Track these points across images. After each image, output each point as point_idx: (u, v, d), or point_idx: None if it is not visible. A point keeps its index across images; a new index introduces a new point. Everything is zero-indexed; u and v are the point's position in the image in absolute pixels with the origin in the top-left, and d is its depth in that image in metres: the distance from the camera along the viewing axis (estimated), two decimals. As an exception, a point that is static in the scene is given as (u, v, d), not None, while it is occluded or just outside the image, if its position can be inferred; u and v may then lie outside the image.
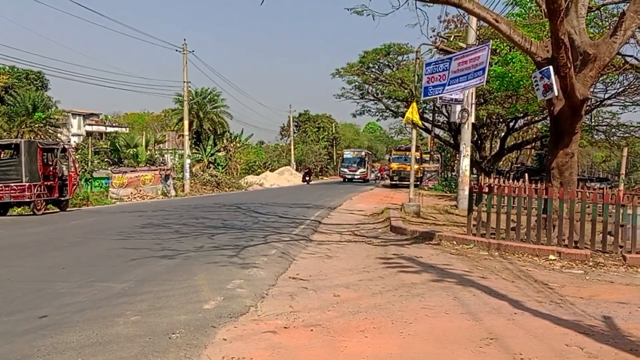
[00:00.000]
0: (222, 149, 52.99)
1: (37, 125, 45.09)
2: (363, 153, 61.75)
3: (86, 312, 6.08)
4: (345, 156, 61.22)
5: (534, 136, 40.33)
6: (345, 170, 59.34)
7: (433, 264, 9.52)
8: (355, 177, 57.94)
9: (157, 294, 6.94)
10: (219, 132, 54.56)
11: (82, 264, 9.24)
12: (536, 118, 33.28)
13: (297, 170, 65.84)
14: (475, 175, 32.67)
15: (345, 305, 6.58)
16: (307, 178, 54.89)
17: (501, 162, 48.71)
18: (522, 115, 32.18)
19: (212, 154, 50.33)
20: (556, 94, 10.47)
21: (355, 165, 58.72)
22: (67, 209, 21.19)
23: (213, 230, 13.59)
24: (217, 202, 24.97)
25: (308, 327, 5.70)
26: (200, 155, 49.22)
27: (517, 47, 13.48)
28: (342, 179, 59.60)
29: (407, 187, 22.37)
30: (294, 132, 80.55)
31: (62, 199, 20.95)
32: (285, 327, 5.69)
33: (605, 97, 26.98)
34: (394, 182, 46.59)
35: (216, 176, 39.93)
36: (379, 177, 66.11)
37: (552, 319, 6.08)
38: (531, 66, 16.19)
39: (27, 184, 18.98)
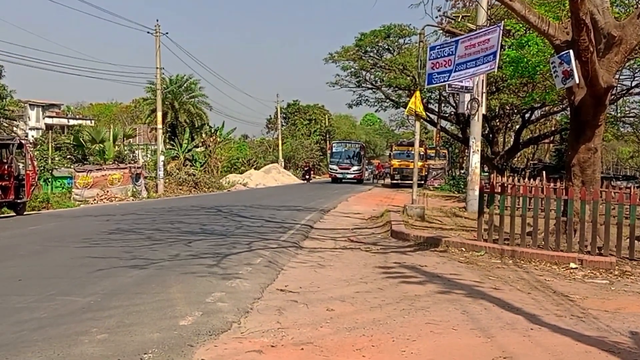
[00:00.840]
0: (200, 144, 52.96)
1: (-12, 118, 44.90)
2: (358, 146, 55.81)
3: (46, 330, 6.06)
4: (335, 149, 55.09)
5: (553, 129, 40.56)
6: (335, 167, 53.30)
7: (439, 273, 9.54)
8: (348, 176, 52.07)
9: (126, 308, 6.92)
10: (196, 125, 54.51)
11: (42, 275, 9.21)
12: (555, 108, 33.43)
13: (285, 168, 65.85)
14: (487, 174, 32.82)
15: (340, 321, 6.59)
16: (307, 176, 55.98)
17: (516, 159, 48.93)
18: (539, 105, 32.32)
19: (189, 150, 50.29)
20: (577, 81, 10.50)
21: (347, 161, 52.81)
22: (25, 213, 21.11)
23: (190, 237, 13.57)
24: (195, 204, 24.93)
25: (298, 346, 5.71)
26: (175, 152, 49.16)
27: (533, 29, 13.53)
28: (330, 179, 54.56)
29: (410, 186, 22.44)
30: (282, 125, 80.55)
31: (19, 201, 20.86)
32: (272, 346, 5.69)
33: (633, 85, 27.15)
34: (395, 181, 46.68)
35: (194, 175, 39.88)
36: (376, 176, 62.99)
37: (572, 335, 6.11)
38: (549, 50, 16.25)
39: (-22, 185, 18.89)
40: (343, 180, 51.53)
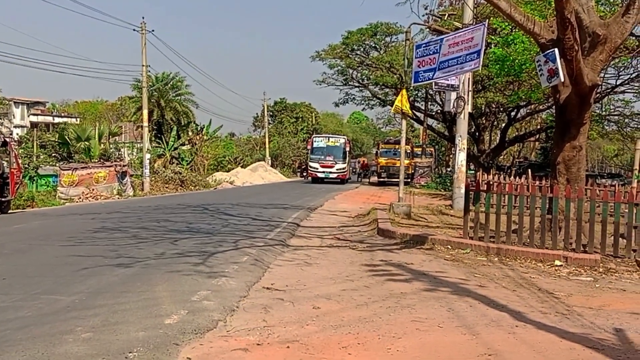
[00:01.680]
0: (186, 142, 52.79)
1: (-27, 116, 44.58)
2: (342, 141, 49.21)
3: (30, 329, 6.02)
4: (315, 144, 48.40)
5: (538, 127, 40.78)
6: (316, 165, 47.38)
7: (425, 271, 9.57)
8: (331, 175, 46.73)
9: (111, 307, 6.89)
10: (183, 123, 54.33)
11: (26, 274, 9.15)
12: (540, 107, 33.62)
13: (272, 166, 65.79)
14: (473, 171, 32.91)
15: (326, 319, 6.59)
16: (305, 174, 56.27)
17: (502, 157, 49.14)
18: (524, 103, 32.49)
19: (176, 148, 50.14)
20: (562, 79, 10.56)
21: (330, 159, 47.02)
22: (9, 211, 20.94)
23: (176, 235, 13.54)
24: (181, 202, 24.86)
25: (284, 344, 5.71)
26: (161, 150, 48.99)
27: (518, 27, 13.59)
28: (310, 178, 48.97)
29: (397, 184, 22.45)
30: (269, 123, 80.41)
31: (3, 199, 20.69)
32: (258, 344, 5.69)
33: (617, 84, 27.30)
34: (381, 179, 46.73)
35: (180, 173, 39.76)
36: (361, 174, 60.70)
37: (557, 332, 6.15)
38: (535, 48, 16.33)
39: (-38, 183, 18.72)
40: (325, 180, 46.62)
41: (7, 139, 22.83)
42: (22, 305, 6.98)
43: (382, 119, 68.34)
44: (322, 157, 47.23)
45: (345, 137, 52.19)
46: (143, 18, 36.50)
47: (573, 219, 11.07)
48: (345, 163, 47.55)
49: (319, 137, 51.22)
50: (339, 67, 44.51)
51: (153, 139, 48.05)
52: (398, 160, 27.91)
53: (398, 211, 17.68)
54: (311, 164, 48.06)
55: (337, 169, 46.91)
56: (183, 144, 51.95)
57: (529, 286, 8.56)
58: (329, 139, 49.46)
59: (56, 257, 10.61)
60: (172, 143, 49.79)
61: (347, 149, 48.44)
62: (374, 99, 46.70)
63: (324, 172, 46.75)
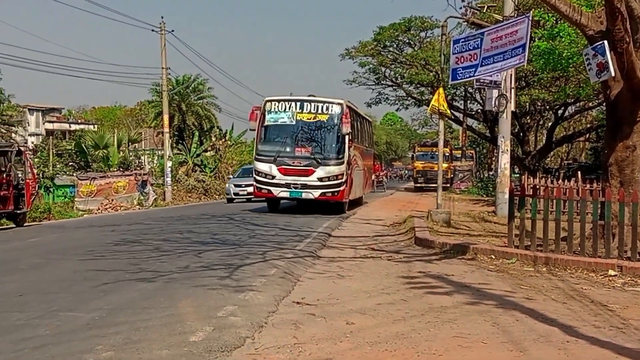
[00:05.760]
0: (209, 148, 53.02)
1: (-14, 124, 45.40)
2: (336, 111, 22.64)
3: (48, 348, 6.09)
4: (270, 120, 22.81)
5: (588, 126, 40.27)
6: (268, 168, 22.61)
7: (467, 283, 9.50)
8: (304, 194, 22.56)
9: (133, 324, 6.94)
10: (205, 128, 54.70)
11: (43, 290, 9.26)
12: (590, 104, 33.24)
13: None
14: (518, 175, 32.65)
15: (360, 335, 6.57)
16: None
17: (549, 159, 48.65)
18: (572, 100, 32.12)
19: (198, 155, 50.39)
20: (613, 74, 10.43)
21: (305, 153, 22.66)
22: (25, 224, 21.25)
23: (201, 247, 13.60)
24: (205, 212, 25.00)
25: (316, 362, 5.71)
26: (183, 156, 49.26)
27: (564, 19, 13.47)
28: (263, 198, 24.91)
29: (435, 190, 22.34)
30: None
31: (18, 212, 20.98)
32: (288, 363, 5.70)
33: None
34: (418, 185, 46.55)
35: (203, 181, 40.02)
36: (379, 183, 47.64)
37: (612, 348, 6.06)
38: (583, 41, 16.15)
39: (-25, 195, 19.02)
40: (298, 200, 23.70)
41: (22, 148, 23.23)
42: (39, 324, 7.06)
43: (417, 120, 68.03)
44: (286, 149, 22.85)
45: (341, 101, 23.25)
46: (162, 18, 36.82)
47: (628, 224, 10.89)
48: (341, 163, 22.71)
49: (278, 101, 23.24)
50: (371, 65, 44.48)
51: (174, 145, 48.42)
52: (436, 163, 26.94)
53: (437, 219, 17.59)
54: (258, 166, 23.09)
55: (319, 179, 22.42)
56: (206, 150, 52.16)
57: (581, 298, 8.45)
58: (302, 107, 22.90)
59: (74, 272, 10.72)
60: (195, 149, 50.00)
61: (346, 130, 22.60)
62: (409, 98, 46.55)
63: (288, 184, 22.59)
